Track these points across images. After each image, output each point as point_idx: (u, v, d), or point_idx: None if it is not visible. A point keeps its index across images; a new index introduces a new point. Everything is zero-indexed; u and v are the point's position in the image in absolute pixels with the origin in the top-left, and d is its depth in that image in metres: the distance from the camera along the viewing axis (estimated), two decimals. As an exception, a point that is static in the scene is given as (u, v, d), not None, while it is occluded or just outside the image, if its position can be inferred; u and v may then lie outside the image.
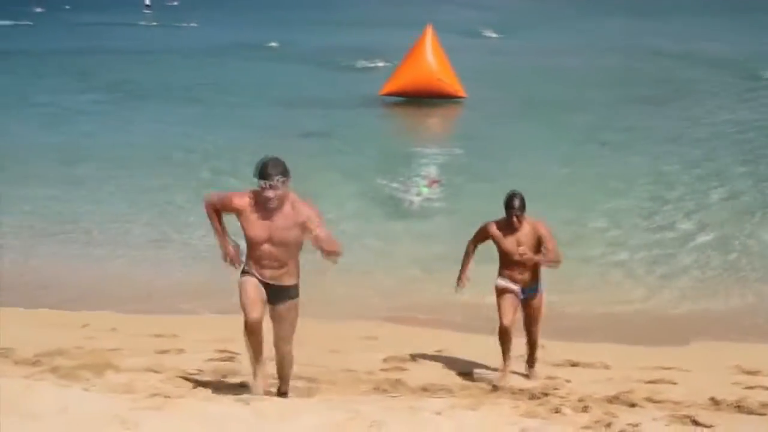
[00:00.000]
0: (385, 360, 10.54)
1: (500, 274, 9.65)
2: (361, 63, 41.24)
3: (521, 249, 9.33)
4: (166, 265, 15.33)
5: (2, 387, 6.78)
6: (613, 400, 8.92)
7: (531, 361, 10.08)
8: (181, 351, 10.60)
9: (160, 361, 10.00)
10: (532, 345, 9.99)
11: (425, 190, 17.96)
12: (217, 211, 7.89)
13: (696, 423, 8.08)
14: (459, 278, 9.83)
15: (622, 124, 27.47)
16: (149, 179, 20.71)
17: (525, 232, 9.41)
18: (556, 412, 8.34)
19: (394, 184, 19.64)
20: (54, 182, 20.61)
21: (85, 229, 17.27)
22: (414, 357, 10.70)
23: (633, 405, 8.77)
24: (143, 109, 30.41)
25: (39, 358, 10.10)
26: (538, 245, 9.47)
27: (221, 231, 7.96)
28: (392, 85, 31.13)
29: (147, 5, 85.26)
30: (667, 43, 49.45)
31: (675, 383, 9.82)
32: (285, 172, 7.37)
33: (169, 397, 7.26)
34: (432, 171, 20.37)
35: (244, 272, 7.78)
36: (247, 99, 32.46)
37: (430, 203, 18.30)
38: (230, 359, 10.08)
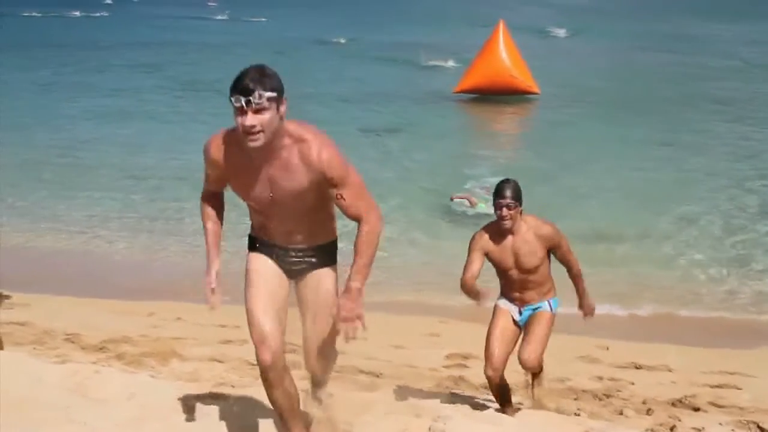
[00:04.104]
0: (447, 356, 10.56)
1: (501, 293, 7.64)
2: (431, 60, 41.06)
3: (514, 272, 7.23)
4: (233, 257, 15.45)
5: (72, 372, 6.89)
6: (676, 403, 8.86)
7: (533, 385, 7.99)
8: (244, 341, 10.63)
9: (224, 351, 10.10)
10: (532, 376, 7.86)
11: (483, 207, 17.89)
12: (213, 202, 5.33)
13: (762, 430, 7.99)
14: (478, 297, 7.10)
15: (694, 125, 27.06)
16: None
17: (523, 237, 7.20)
18: (620, 413, 8.31)
19: (458, 185, 19.54)
20: (118, 173, 20.89)
21: (151, 219, 17.47)
22: (476, 354, 10.69)
23: (697, 409, 8.70)
24: (207, 103, 30.61)
25: (105, 344, 10.28)
26: (546, 254, 7.31)
27: (213, 241, 5.29)
28: (466, 83, 31.00)
29: None
30: (745, 47, 48.66)
31: (740, 388, 9.71)
32: (276, 87, 4.60)
33: (234, 386, 7.32)
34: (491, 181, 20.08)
35: (251, 242, 5.32)
36: (314, 94, 32.49)
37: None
38: (292, 351, 10.15)
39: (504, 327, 7.42)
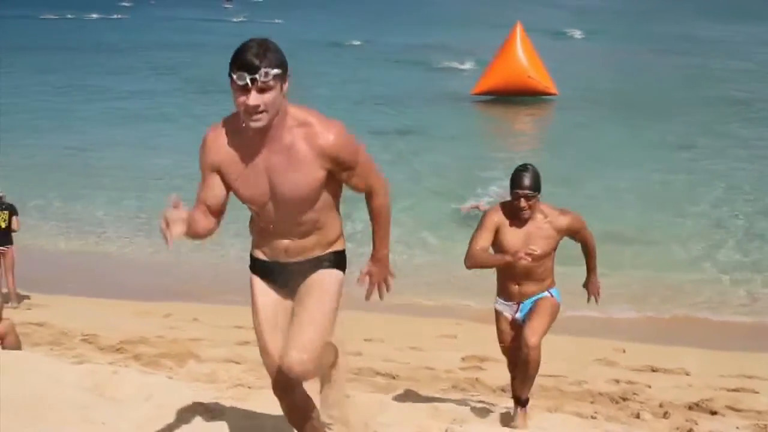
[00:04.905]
0: (463, 359, 10.55)
1: (497, 292, 7.01)
2: (446, 62, 41.02)
3: (528, 249, 6.44)
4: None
5: (89, 372, 6.91)
6: (693, 407, 8.82)
7: (519, 394, 6.95)
8: (261, 343, 10.67)
9: (240, 352, 10.11)
10: (526, 365, 6.68)
11: None
12: (202, 212, 4.44)
13: (779, 433, 7.96)
14: (512, 256, 6.45)
15: (712, 126, 26.92)
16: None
17: (538, 225, 6.63)
18: (636, 417, 8.28)
19: (471, 188, 19.50)
20: (133, 174, 20.99)
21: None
22: (492, 356, 10.68)
23: (714, 413, 8.66)
24: (221, 105, 30.55)
25: (122, 345, 10.33)
26: (556, 246, 6.74)
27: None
28: (484, 84, 31.01)
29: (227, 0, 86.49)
30: (757, 48, 48.41)
31: (757, 392, 9.66)
32: (281, 63, 4.17)
33: (251, 387, 7.32)
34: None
35: (252, 263, 4.74)
36: (327, 96, 32.43)
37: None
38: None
39: (508, 338, 6.97)
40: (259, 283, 4.70)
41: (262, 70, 4.06)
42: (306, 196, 4.36)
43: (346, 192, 4.61)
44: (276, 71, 4.10)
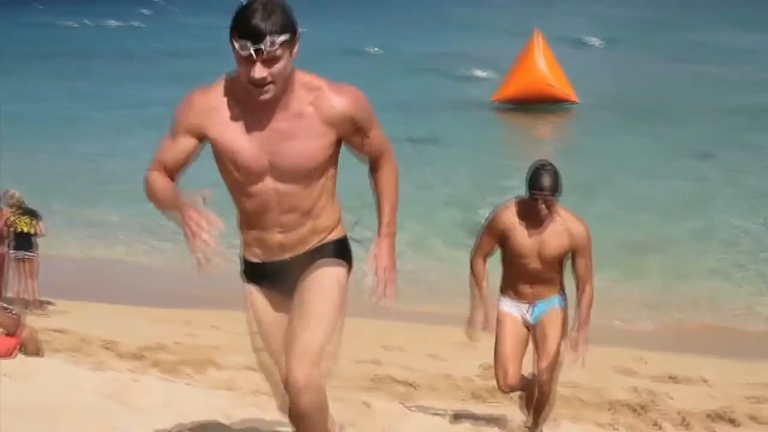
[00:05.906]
0: (482, 367, 10.51)
1: (503, 290, 6.65)
2: (465, 70, 40.91)
3: (531, 261, 6.27)
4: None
5: (109, 379, 6.93)
6: (713, 416, 8.78)
7: (534, 422, 6.72)
8: (280, 350, 10.67)
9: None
10: (539, 396, 6.48)
11: None
12: (165, 176, 4.30)
13: (799, 444, 7.92)
14: (472, 318, 6.70)
15: (734, 136, 26.73)
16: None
17: (556, 229, 6.23)
18: (656, 426, 8.26)
19: (487, 198, 19.42)
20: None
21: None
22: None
23: (734, 422, 8.62)
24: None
25: (142, 352, 10.34)
26: (565, 254, 6.37)
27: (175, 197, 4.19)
28: (504, 92, 30.93)
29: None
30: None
31: (778, 402, 9.62)
32: (289, 26, 3.69)
33: (270, 395, 7.31)
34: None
35: (245, 268, 4.35)
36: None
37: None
38: (327, 360, 10.15)
39: (514, 340, 6.53)
40: (259, 299, 4.33)
41: (268, 39, 3.58)
42: (309, 168, 3.91)
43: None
44: (283, 37, 3.63)
